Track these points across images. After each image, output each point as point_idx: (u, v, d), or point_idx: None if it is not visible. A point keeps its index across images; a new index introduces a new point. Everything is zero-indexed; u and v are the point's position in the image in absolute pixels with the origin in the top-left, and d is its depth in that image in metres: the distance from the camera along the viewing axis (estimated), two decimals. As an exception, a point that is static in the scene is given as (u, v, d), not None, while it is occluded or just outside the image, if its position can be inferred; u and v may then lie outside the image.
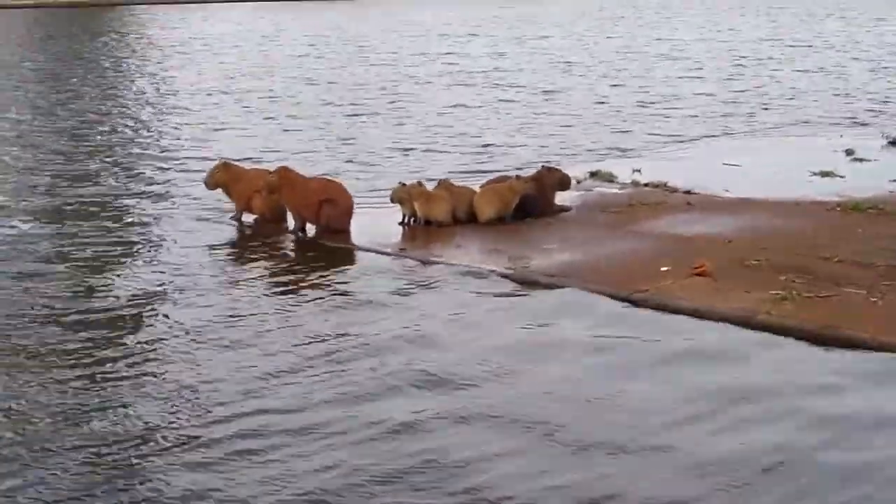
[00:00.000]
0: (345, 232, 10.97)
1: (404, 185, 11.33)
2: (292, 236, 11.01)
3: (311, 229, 11.08)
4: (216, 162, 12.00)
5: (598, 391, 6.97)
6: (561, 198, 12.16)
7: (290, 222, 11.21)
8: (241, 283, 9.51)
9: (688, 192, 12.81)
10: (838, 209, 11.67)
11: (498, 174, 12.79)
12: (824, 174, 13.74)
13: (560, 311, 8.55)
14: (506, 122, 19.48)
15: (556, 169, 12.12)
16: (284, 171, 11.00)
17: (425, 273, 9.69)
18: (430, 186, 11.55)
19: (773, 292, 8.74)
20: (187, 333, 8.06)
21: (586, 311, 8.57)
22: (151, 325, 8.33)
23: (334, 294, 9.08)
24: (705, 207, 12.00)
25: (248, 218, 11.64)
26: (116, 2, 76.92)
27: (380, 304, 8.77)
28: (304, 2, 78.65)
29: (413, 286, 9.27)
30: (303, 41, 41.52)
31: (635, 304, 8.72)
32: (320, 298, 8.96)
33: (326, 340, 7.90)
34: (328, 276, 9.63)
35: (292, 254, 10.64)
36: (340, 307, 8.74)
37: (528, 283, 9.34)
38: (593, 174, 13.93)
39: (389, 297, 8.94)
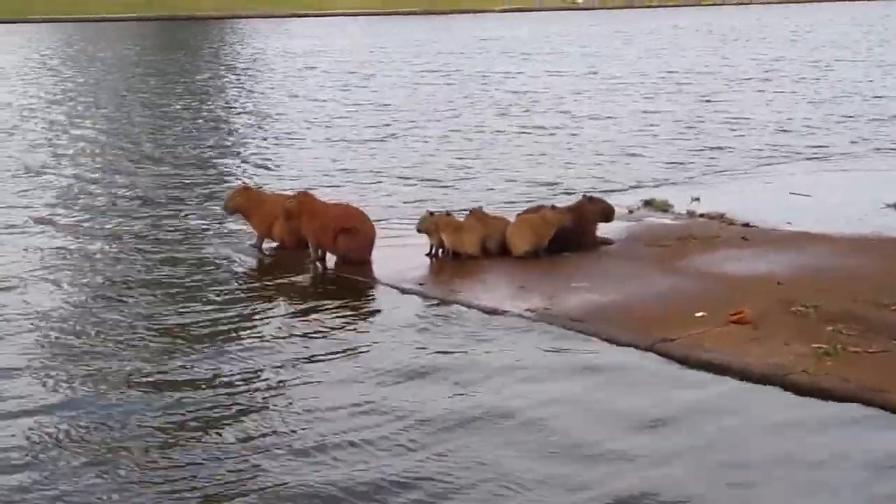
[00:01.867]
0: (366, 263, 10.27)
1: (432, 213, 10.61)
2: (311, 268, 10.33)
3: (331, 257, 10.39)
4: (237, 185, 11.37)
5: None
6: (607, 229, 11.33)
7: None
8: (236, 336, 8.53)
9: (746, 226, 11.87)
10: (909, 246, 10.62)
11: (539, 202, 11.98)
12: (897, 206, 12.67)
13: (557, 366, 7.73)
14: (563, 149, 18.55)
15: (599, 199, 11.29)
16: (304, 197, 10.38)
17: (441, 312, 8.97)
18: (462, 215, 10.81)
19: (816, 345, 7.81)
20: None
21: (588, 364, 7.74)
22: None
23: (345, 356, 8.04)
24: (762, 242, 11.06)
25: (270, 244, 11.01)
26: (212, 15, 77.61)
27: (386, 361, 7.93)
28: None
29: (428, 328, 8.58)
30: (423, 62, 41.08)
31: (659, 354, 7.86)
32: (328, 358, 8.01)
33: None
34: (338, 322, 8.82)
35: (307, 290, 9.87)
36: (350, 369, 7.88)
37: (548, 325, 8.53)
38: (647, 203, 13.07)
39: (395, 353, 8.09)
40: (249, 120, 23.24)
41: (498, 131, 20.60)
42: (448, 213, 10.63)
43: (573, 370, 7.64)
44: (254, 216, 10.92)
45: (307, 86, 30.60)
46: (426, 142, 19.39)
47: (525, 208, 11.36)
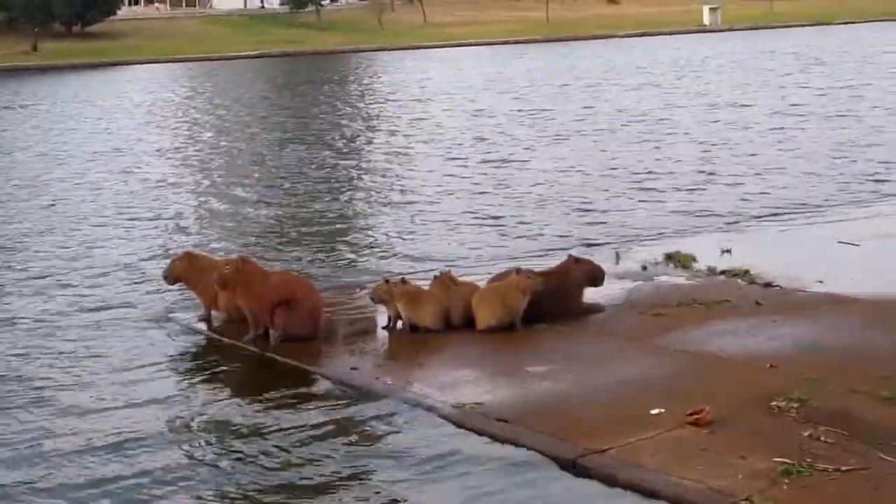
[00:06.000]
0: (310, 339, 9.06)
1: (387, 282, 9.35)
2: (249, 348, 9.16)
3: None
4: (180, 252, 10.29)
5: None
6: (608, 291, 9.94)
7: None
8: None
9: (767, 285, 10.30)
10: (949, 316, 8.93)
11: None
12: (958, 262, 10.89)
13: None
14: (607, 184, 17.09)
15: (586, 260, 9.88)
16: (242, 264, 9.21)
17: (358, 409, 7.70)
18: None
19: (779, 460, 6.30)
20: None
21: (481, 486, 6.38)
22: None
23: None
24: (776, 309, 9.51)
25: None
26: (337, 50, 77.53)
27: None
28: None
29: (323, 436, 7.28)
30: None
31: (581, 470, 6.45)
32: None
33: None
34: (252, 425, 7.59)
35: (230, 376, 8.71)
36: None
37: (468, 428, 7.18)
38: (669, 257, 11.54)
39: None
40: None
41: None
42: (404, 281, 9.34)
43: (464, 492, 6.28)
44: (197, 285, 9.81)
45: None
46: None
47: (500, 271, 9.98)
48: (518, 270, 9.37)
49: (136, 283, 11.62)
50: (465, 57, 62.50)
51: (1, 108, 37.53)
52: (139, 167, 21.62)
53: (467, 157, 21.13)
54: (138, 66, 67.09)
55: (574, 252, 10.75)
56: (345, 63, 62.76)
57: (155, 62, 68.96)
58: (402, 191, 17.62)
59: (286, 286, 9.20)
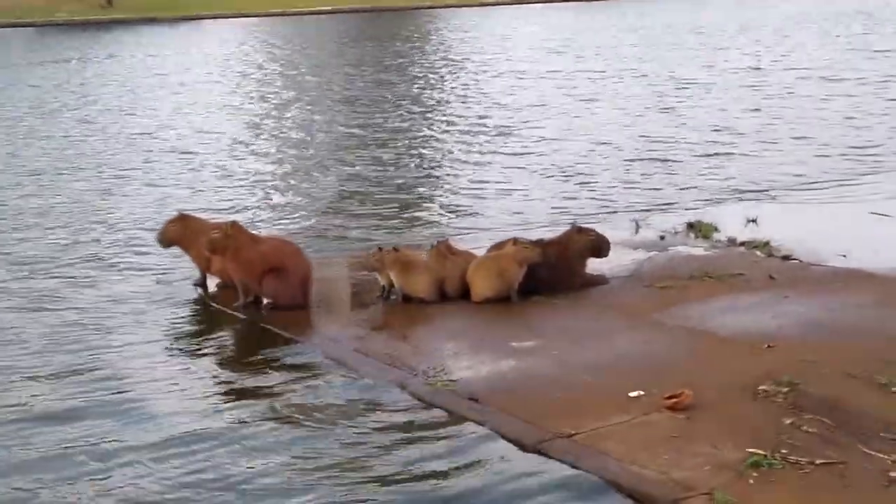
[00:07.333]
0: (301, 308, 8.82)
1: (380, 249, 9.06)
2: (237, 314, 8.95)
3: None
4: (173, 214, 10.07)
5: None
6: (619, 261, 9.61)
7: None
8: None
9: (786, 258, 9.83)
10: (970, 295, 8.39)
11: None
12: None
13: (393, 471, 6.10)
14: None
15: (589, 229, 9.45)
16: (231, 229, 8.97)
17: (327, 381, 7.46)
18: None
19: (753, 450, 5.91)
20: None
21: (432, 473, 6.06)
22: None
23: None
24: (790, 283, 9.06)
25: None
26: (409, 6, 76.99)
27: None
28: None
29: (292, 406, 7.06)
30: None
31: (543, 456, 6.12)
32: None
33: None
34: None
35: (216, 344, 8.46)
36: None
37: (438, 406, 6.89)
38: (691, 226, 11.09)
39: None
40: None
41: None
42: (396, 249, 9.03)
43: (415, 478, 6.00)
44: (192, 249, 9.60)
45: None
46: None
47: (496, 241, 9.61)
48: (515, 240, 9.01)
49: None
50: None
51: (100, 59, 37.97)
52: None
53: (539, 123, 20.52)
54: (210, 20, 67.34)
55: (591, 221, 10.37)
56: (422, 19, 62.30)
57: (224, 17, 69.13)
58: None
59: (276, 253, 8.95)
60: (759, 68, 27.39)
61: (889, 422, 6.15)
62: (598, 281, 9.30)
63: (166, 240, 9.70)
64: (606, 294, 9.06)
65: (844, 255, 9.80)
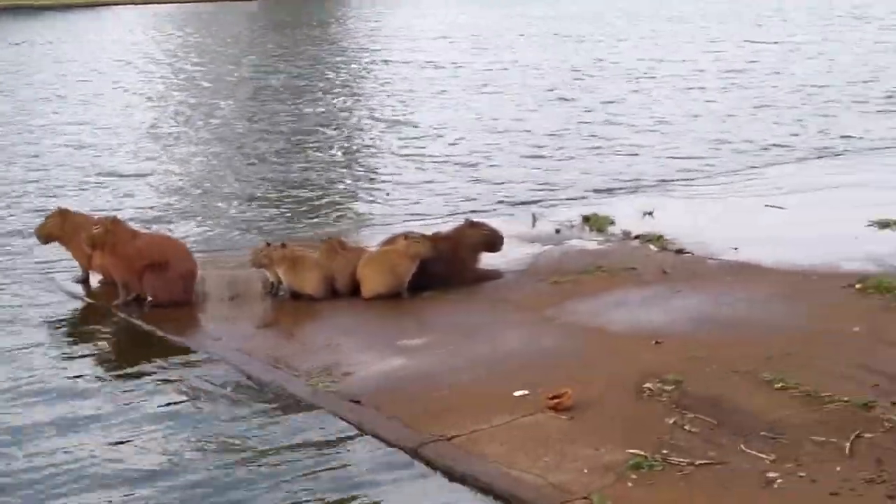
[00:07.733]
0: (183, 305, 8.56)
1: (269, 244, 8.83)
2: (118, 314, 8.65)
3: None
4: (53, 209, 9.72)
5: None
6: (515, 255, 9.54)
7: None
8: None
9: (679, 252, 9.79)
10: (856, 287, 8.41)
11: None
12: (884, 224, 10.35)
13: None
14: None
15: (481, 224, 9.34)
16: (112, 224, 8.67)
17: (208, 379, 7.21)
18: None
19: (634, 451, 5.81)
20: None
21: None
22: None
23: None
24: (683, 278, 9.03)
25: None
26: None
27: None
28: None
29: (180, 406, 6.86)
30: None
31: (422, 461, 5.97)
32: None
33: None
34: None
35: (91, 342, 8.17)
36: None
37: (319, 408, 6.70)
38: (587, 219, 11.03)
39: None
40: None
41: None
42: (284, 245, 8.81)
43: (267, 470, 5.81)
44: (71, 244, 9.28)
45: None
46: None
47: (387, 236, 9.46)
48: (406, 235, 8.85)
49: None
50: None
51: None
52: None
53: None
54: (117, 7, 66.12)
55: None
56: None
57: (132, 3, 67.96)
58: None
59: (156, 249, 8.70)
60: (662, 60, 27.53)
61: (770, 420, 6.09)
62: (492, 276, 9.20)
63: (44, 235, 9.38)
64: (500, 289, 8.94)
65: (736, 248, 9.78)
